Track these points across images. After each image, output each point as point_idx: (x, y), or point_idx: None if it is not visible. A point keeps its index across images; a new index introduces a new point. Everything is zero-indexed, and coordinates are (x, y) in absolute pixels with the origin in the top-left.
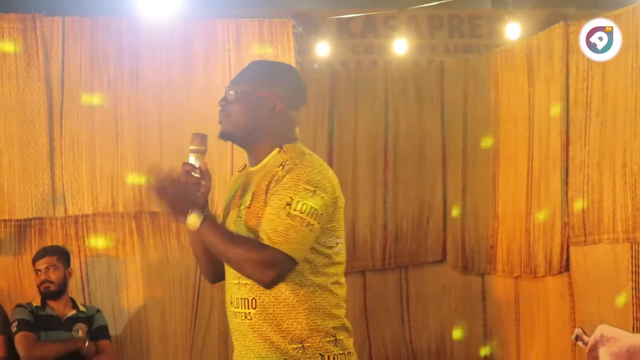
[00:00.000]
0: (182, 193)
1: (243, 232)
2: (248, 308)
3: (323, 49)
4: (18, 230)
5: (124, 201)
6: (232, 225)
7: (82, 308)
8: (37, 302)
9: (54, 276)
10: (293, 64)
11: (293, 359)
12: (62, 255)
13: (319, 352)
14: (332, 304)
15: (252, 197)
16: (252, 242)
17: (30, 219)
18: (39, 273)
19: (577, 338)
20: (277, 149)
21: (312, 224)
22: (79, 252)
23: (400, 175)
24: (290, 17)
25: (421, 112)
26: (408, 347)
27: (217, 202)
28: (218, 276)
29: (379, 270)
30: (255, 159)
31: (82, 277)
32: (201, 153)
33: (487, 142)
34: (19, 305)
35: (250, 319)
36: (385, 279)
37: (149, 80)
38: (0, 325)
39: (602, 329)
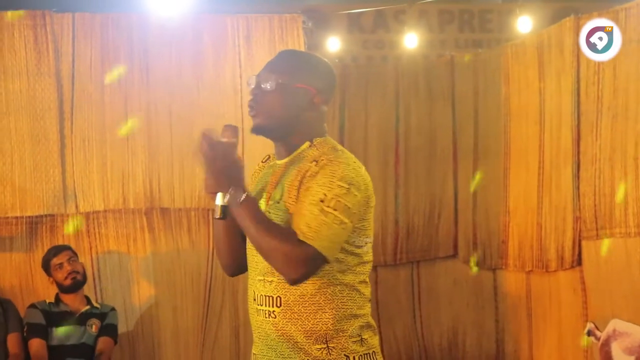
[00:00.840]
0: (230, 166)
1: None
2: (272, 306)
3: (333, 44)
4: (29, 227)
5: (135, 197)
6: None
7: (96, 304)
8: (50, 299)
9: (78, 267)
10: None
11: None
12: (73, 251)
13: (344, 352)
14: (358, 303)
15: (283, 192)
16: (288, 233)
17: (42, 216)
18: (61, 267)
19: (590, 333)
20: (307, 143)
21: (345, 222)
22: (90, 248)
23: (411, 170)
24: (300, 13)
25: (432, 107)
26: (420, 342)
27: None
28: (238, 269)
29: (391, 266)
30: (284, 152)
31: (93, 274)
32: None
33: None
34: (31, 306)
35: (274, 317)
36: (397, 274)
37: (159, 76)
38: (14, 323)
39: (615, 324)
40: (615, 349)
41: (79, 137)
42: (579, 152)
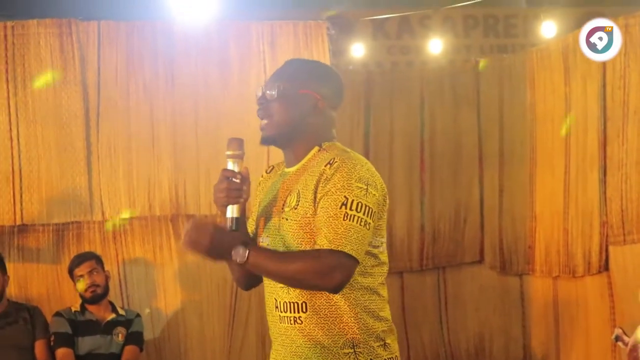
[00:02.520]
0: (216, 237)
1: (290, 234)
2: (298, 312)
3: (358, 50)
4: (56, 234)
5: (161, 204)
6: (275, 230)
7: (121, 312)
8: (76, 307)
9: (98, 279)
10: None
11: None
12: (98, 259)
13: (370, 357)
14: (379, 306)
15: (299, 198)
16: (307, 253)
17: (68, 223)
18: (82, 278)
19: (617, 338)
20: (316, 147)
21: (369, 222)
22: (117, 255)
23: (437, 175)
24: (324, 19)
25: (457, 112)
26: (446, 348)
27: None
28: (250, 282)
29: (417, 272)
30: (294, 159)
31: (119, 281)
32: (239, 158)
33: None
34: (57, 314)
35: (301, 323)
36: (423, 280)
37: (184, 84)
38: (41, 330)
39: None
40: None
41: (105, 144)
42: (605, 157)
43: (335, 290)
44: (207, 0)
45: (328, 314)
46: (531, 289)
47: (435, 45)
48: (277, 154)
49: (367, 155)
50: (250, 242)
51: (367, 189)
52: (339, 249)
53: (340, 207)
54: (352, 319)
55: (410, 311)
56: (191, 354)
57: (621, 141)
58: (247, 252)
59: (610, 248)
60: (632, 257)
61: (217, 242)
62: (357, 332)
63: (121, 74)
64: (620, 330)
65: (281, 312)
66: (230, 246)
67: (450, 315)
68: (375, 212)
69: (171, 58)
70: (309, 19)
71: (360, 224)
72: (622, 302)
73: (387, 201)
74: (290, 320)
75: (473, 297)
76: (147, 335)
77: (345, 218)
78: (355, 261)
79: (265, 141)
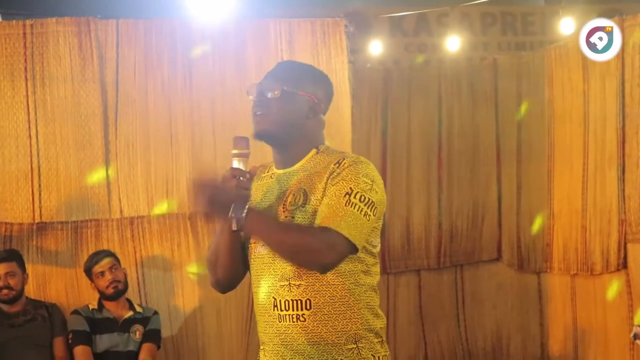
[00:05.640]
0: (222, 192)
1: None
2: (301, 309)
3: (376, 47)
4: (74, 232)
5: (179, 202)
6: None
7: (138, 309)
8: (93, 304)
9: (119, 275)
10: (346, 63)
11: None
12: (115, 256)
13: (371, 352)
14: (377, 303)
15: (306, 196)
16: (307, 227)
17: (87, 221)
18: (103, 275)
19: (636, 336)
20: (314, 150)
21: (369, 214)
22: (135, 253)
23: (455, 173)
24: (342, 16)
25: (475, 110)
26: (464, 346)
27: None
28: (230, 284)
29: (434, 269)
30: (290, 161)
31: (138, 278)
32: (245, 157)
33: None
34: (75, 312)
35: (304, 321)
36: (441, 278)
37: (202, 82)
38: (59, 327)
39: None
40: None
41: (123, 142)
42: (624, 155)
43: (325, 269)
44: None
45: (332, 310)
46: (549, 286)
47: (453, 43)
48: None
49: (384, 153)
50: (251, 206)
51: (372, 185)
52: (336, 229)
53: (344, 196)
54: (355, 314)
55: (427, 309)
56: (209, 352)
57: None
58: (245, 211)
59: (629, 246)
60: None
61: (222, 194)
62: (360, 327)
63: (139, 72)
64: (638, 329)
65: (281, 311)
66: (230, 200)
67: (468, 313)
68: (377, 208)
69: (189, 56)
70: (326, 17)
71: (360, 213)
72: None
73: (386, 203)
74: (293, 318)
75: (491, 294)
76: (165, 332)
77: (347, 204)
78: (349, 245)
79: (260, 135)
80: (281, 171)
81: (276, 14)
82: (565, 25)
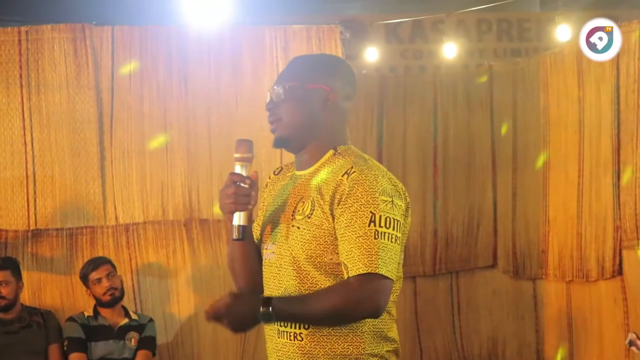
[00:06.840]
0: (242, 311)
1: (300, 244)
2: (299, 328)
3: (371, 54)
4: (69, 239)
5: (175, 209)
6: (282, 237)
7: (134, 316)
8: (89, 312)
9: (116, 282)
10: None
11: None
12: (111, 263)
13: None
14: (387, 325)
15: (313, 206)
16: (334, 286)
17: (82, 228)
18: (100, 282)
19: (631, 343)
20: (331, 151)
21: (398, 237)
22: (130, 260)
23: (450, 180)
24: (338, 23)
25: (470, 117)
26: (459, 353)
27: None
28: (254, 291)
29: (430, 276)
30: (307, 162)
31: (133, 285)
32: (248, 161)
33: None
34: (70, 319)
35: (301, 340)
36: (436, 285)
37: (197, 88)
38: (54, 334)
39: None
40: None
41: (118, 149)
42: (619, 161)
43: (377, 314)
44: (221, 5)
45: (332, 331)
46: (544, 293)
47: (449, 50)
48: (289, 158)
49: (380, 160)
50: (269, 301)
51: (392, 201)
52: (377, 271)
53: (369, 225)
54: (357, 338)
55: (423, 316)
56: (204, 358)
57: (635, 145)
58: (271, 309)
59: (624, 252)
60: None
61: (237, 317)
62: (362, 352)
63: (135, 78)
64: (634, 335)
65: (280, 326)
66: (252, 314)
67: (463, 320)
68: (402, 223)
69: (185, 63)
70: (322, 23)
71: (391, 241)
72: (636, 307)
73: (409, 204)
74: (290, 335)
75: (486, 301)
76: (160, 340)
77: (376, 236)
78: (391, 281)
79: (278, 143)
80: (298, 173)
81: (272, 20)
82: (561, 31)
